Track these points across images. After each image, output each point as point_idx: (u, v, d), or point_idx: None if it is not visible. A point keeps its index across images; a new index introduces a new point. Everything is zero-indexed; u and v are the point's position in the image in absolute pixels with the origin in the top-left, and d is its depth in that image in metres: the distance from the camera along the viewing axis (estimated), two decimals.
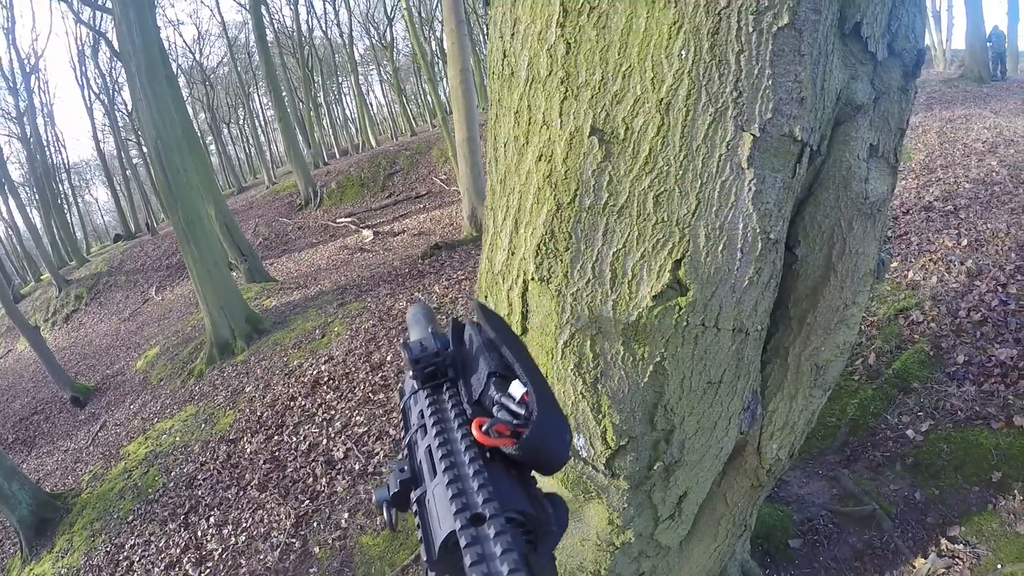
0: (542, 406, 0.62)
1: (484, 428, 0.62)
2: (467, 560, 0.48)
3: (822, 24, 1.28)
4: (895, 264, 7.71)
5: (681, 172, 1.36)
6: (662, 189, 1.37)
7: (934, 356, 5.77)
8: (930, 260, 7.59)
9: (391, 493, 0.68)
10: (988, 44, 19.25)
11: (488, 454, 0.62)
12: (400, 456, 0.73)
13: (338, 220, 21.23)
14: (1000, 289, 6.84)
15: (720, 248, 1.45)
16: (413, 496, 0.63)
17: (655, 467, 1.67)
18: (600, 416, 1.59)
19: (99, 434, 10.97)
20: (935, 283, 6.95)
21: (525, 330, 1.65)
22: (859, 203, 1.55)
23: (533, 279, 1.59)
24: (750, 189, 1.39)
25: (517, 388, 0.65)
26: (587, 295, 1.54)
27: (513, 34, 1.48)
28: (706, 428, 1.68)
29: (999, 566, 3.89)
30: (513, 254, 1.61)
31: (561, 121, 1.41)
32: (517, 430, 0.62)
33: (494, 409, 0.66)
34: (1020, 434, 4.79)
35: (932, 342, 5.94)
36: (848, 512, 4.30)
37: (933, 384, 5.42)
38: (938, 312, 6.41)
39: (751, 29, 1.25)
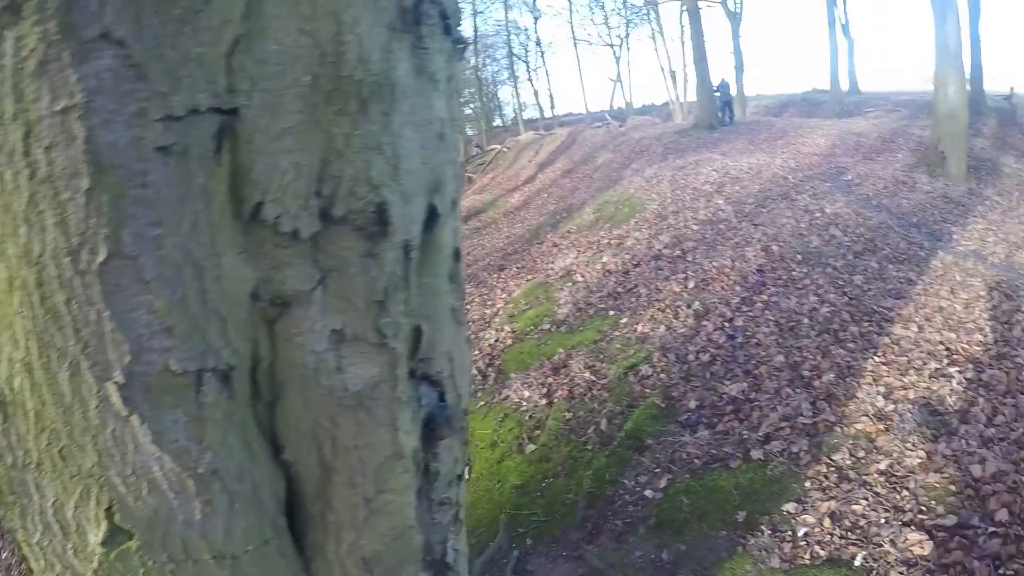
0: None
1: None
2: None
3: (174, 235, 1.11)
4: (624, 320, 8.03)
5: (68, 429, 1.26)
6: (61, 446, 1.28)
7: (666, 408, 5.99)
8: (658, 309, 8.03)
9: None
10: (716, 94, 21.93)
11: None
12: None
13: None
14: (727, 325, 7.30)
15: (145, 492, 1.32)
16: None
17: None
18: None
19: None
20: (663, 332, 7.30)
21: None
22: (338, 397, 1.42)
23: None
24: (145, 434, 1.25)
25: None
26: (47, 545, 1.37)
27: None
28: None
29: None
30: None
31: None
32: None
33: None
34: (759, 467, 4.98)
35: (663, 393, 6.18)
36: None
37: (667, 437, 5.59)
38: (667, 361, 6.71)
39: (71, 273, 1.09)
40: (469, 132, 50.77)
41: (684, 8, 26.72)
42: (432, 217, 1.57)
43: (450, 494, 2.25)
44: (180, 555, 1.44)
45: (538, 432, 6.39)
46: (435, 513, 2.18)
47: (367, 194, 1.29)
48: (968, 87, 17.06)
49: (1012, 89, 25.88)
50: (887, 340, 6.62)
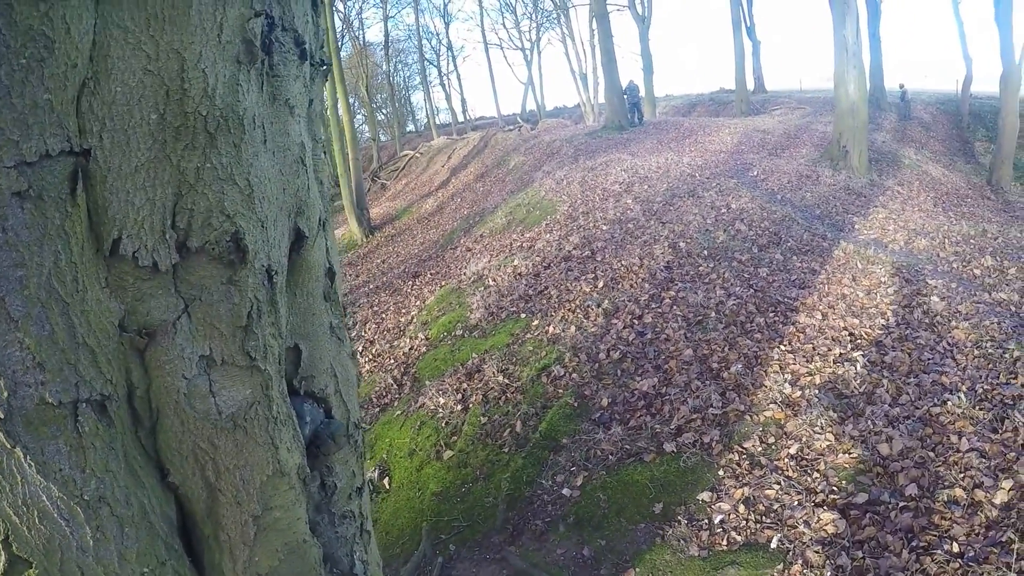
0: None
1: None
2: None
3: (37, 274, 1.17)
4: (536, 322, 8.17)
5: None
6: None
7: (579, 407, 6.12)
8: (568, 310, 8.20)
9: None
10: (624, 96, 22.31)
11: None
12: None
13: None
14: (636, 322, 7.47)
15: (37, 521, 1.40)
16: None
17: None
18: None
19: None
20: (574, 332, 7.47)
21: None
22: (213, 420, 1.49)
23: None
24: (30, 465, 1.34)
25: None
26: None
27: None
28: None
29: None
30: None
31: None
32: None
33: None
34: (672, 459, 5.14)
35: (576, 392, 6.32)
36: None
37: (581, 435, 5.73)
38: (579, 361, 6.87)
39: None
40: (382, 138, 50.41)
41: (593, 12, 27.18)
42: (299, 239, 1.66)
43: (351, 507, 2.33)
44: None
45: (455, 438, 6.47)
46: (338, 526, 2.26)
47: (222, 224, 1.38)
48: (868, 84, 18.01)
49: (902, 85, 27.38)
50: (792, 329, 6.93)
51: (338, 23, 35.08)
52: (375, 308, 12.88)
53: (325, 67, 1.74)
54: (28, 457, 1.32)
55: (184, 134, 1.27)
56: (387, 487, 6.37)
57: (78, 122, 1.16)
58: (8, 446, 1.29)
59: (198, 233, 1.36)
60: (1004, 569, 3.50)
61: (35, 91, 1.09)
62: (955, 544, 3.79)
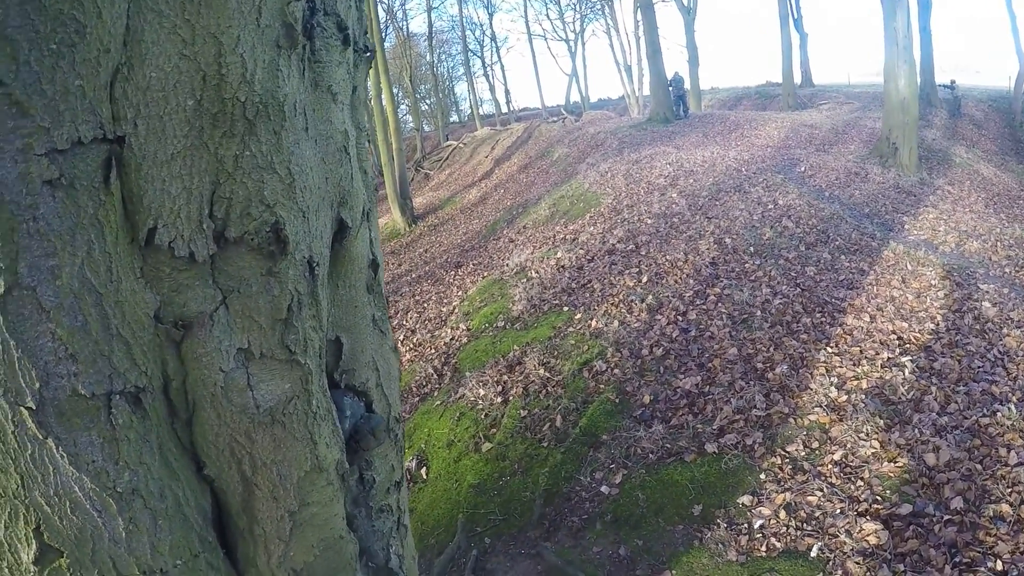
0: None
1: None
2: None
3: (70, 264, 1.13)
4: (578, 316, 8.08)
5: None
6: None
7: (620, 403, 6.04)
8: (612, 304, 8.09)
9: None
10: (669, 88, 22.07)
11: None
12: None
13: None
14: (680, 319, 7.37)
15: (69, 511, 1.37)
16: None
17: None
18: None
19: None
20: (617, 327, 7.37)
21: None
22: (251, 414, 1.45)
23: None
24: (62, 456, 1.30)
25: None
26: None
27: None
28: None
29: None
30: None
31: None
32: None
33: None
34: (714, 461, 5.04)
35: (617, 388, 6.24)
36: None
37: (622, 432, 5.64)
38: (621, 356, 6.77)
39: None
40: (426, 128, 50.67)
41: (638, 3, 26.88)
42: (342, 230, 1.60)
43: (389, 501, 2.29)
44: (110, 571, 1.49)
45: (494, 430, 6.43)
46: (375, 520, 2.22)
47: (261, 214, 1.33)
48: (918, 79, 17.54)
49: (953, 81, 26.63)
50: (840, 330, 6.76)
51: (382, 14, 35.27)
52: (417, 297, 12.91)
53: (369, 54, 1.68)
54: (60, 448, 1.30)
55: (222, 121, 1.22)
56: (424, 477, 6.36)
57: (111, 109, 1.11)
58: (40, 437, 1.27)
59: (236, 223, 1.31)
60: None
61: (66, 77, 1.04)
62: (999, 562, 3.65)
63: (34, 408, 1.24)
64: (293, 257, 1.41)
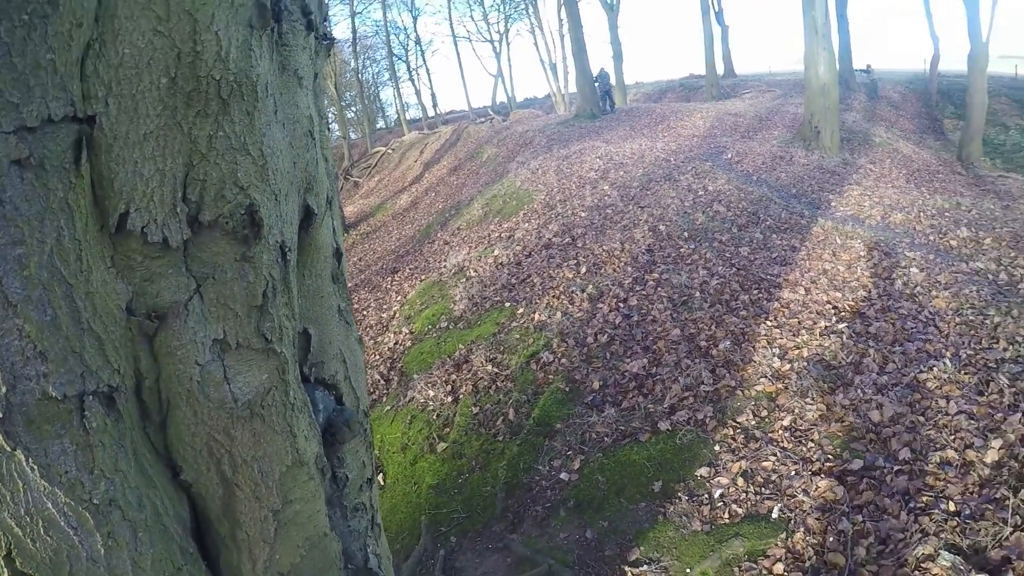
0: None
1: None
2: None
3: (38, 253, 1.08)
4: (521, 310, 8.12)
5: None
6: None
7: (571, 391, 6.09)
8: (553, 296, 8.16)
9: None
10: (595, 84, 22.35)
11: None
12: None
13: None
14: (622, 305, 7.46)
15: (43, 531, 1.28)
16: None
17: None
18: None
19: None
20: (560, 318, 7.44)
21: None
22: (229, 409, 1.40)
23: None
24: (33, 469, 1.22)
25: None
26: None
27: None
28: None
29: (688, 570, 4.10)
30: None
31: None
32: None
33: None
34: (668, 438, 5.13)
35: (566, 377, 6.29)
36: None
37: (575, 419, 5.69)
38: (567, 346, 6.83)
39: None
40: (352, 135, 50.03)
41: (562, 1, 27.06)
42: (308, 217, 1.58)
43: (363, 499, 2.25)
44: None
45: (448, 430, 6.40)
46: (351, 520, 2.18)
47: (235, 196, 1.29)
48: (837, 65, 18.15)
49: (869, 65, 27.69)
50: (777, 304, 6.96)
51: None
52: (356, 305, 12.74)
53: (328, 41, 1.66)
54: (30, 460, 1.21)
55: (196, 100, 1.18)
56: (382, 483, 6.29)
57: (83, 86, 1.06)
58: (8, 449, 1.18)
59: (211, 206, 1.27)
60: (1000, 524, 3.54)
61: (37, 50, 0.99)
62: (951, 503, 3.84)
63: (0, 417, 1.16)
64: (267, 241, 1.37)
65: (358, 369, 2.09)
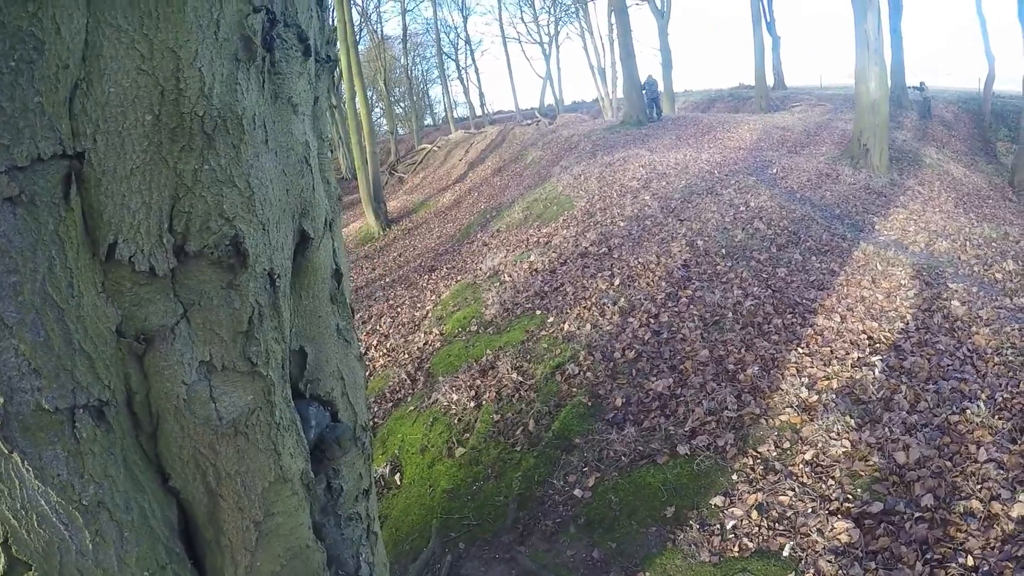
0: None
1: None
2: None
3: (31, 280, 1.14)
4: (551, 319, 8.12)
5: None
6: None
7: (593, 406, 6.09)
8: (584, 307, 8.15)
9: None
10: (643, 91, 22.29)
11: None
12: None
13: None
14: (652, 321, 7.43)
15: (36, 524, 1.39)
16: None
17: None
18: None
19: None
20: (589, 330, 7.43)
21: None
22: (214, 426, 1.47)
23: None
24: (28, 470, 1.31)
25: None
26: None
27: None
28: None
29: None
30: None
31: None
32: None
33: None
34: (686, 462, 5.09)
35: (590, 391, 6.28)
36: None
37: (594, 435, 5.68)
38: (593, 359, 6.82)
39: None
40: (400, 131, 50.57)
41: (612, 6, 27.02)
42: (304, 241, 1.62)
43: (358, 509, 2.30)
44: None
45: (467, 435, 6.45)
46: (344, 529, 2.24)
47: (221, 227, 1.34)
48: (889, 81, 17.82)
49: (923, 83, 27.10)
50: (810, 331, 6.86)
51: (356, 16, 35.14)
52: (391, 302, 12.88)
53: (331, 63, 1.70)
54: (26, 462, 1.31)
55: (180, 135, 1.23)
56: (398, 483, 6.36)
57: (71, 124, 1.12)
58: (6, 451, 1.28)
59: (196, 237, 1.33)
60: None
61: (25, 94, 1.05)
62: (970, 557, 3.72)
63: None
64: (253, 270, 1.43)
65: (357, 386, 2.14)
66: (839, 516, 4.31)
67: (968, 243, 10.03)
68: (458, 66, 53.69)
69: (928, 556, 3.83)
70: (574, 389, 6.52)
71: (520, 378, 7.06)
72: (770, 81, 34.88)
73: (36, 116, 1.07)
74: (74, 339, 1.27)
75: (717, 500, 4.71)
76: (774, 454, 5.02)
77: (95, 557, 1.47)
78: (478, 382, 7.32)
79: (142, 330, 1.36)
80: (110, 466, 1.44)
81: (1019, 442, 4.53)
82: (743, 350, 6.48)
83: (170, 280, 1.35)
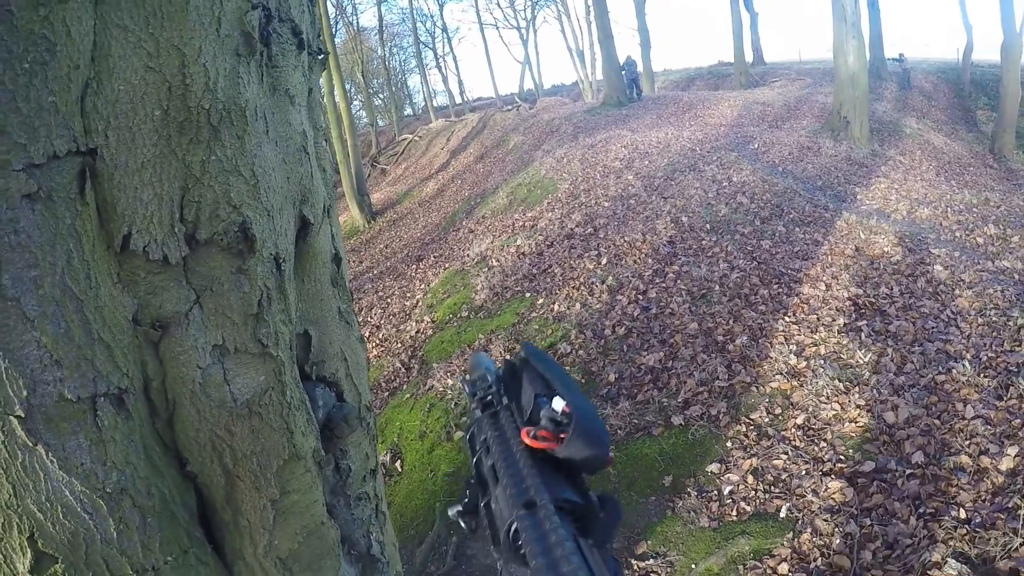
0: (581, 415, 0.76)
1: (531, 434, 0.78)
2: (524, 538, 0.62)
3: (51, 274, 1.20)
4: (541, 301, 8.20)
5: None
6: None
7: (586, 383, 6.17)
8: (573, 288, 8.23)
9: (463, 503, 0.92)
10: (622, 71, 22.30)
11: (539, 457, 0.77)
12: (470, 476, 0.95)
13: None
14: (640, 298, 7.51)
15: (61, 516, 1.41)
16: (482, 503, 0.82)
17: None
18: None
19: None
20: (579, 309, 7.51)
21: None
22: (229, 408, 1.52)
23: None
24: (52, 461, 1.34)
25: (559, 403, 0.79)
26: None
27: None
28: None
29: (693, 566, 4.19)
30: None
31: None
32: (560, 435, 0.76)
33: (541, 422, 0.80)
34: (680, 432, 5.17)
35: (583, 369, 6.37)
36: None
37: None
38: (584, 338, 6.91)
39: None
40: (380, 123, 50.33)
41: None
42: (304, 227, 1.68)
43: (366, 489, 2.37)
44: (103, 573, 1.53)
45: (465, 418, 6.50)
46: (354, 509, 2.31)
47: (229, 215, 1.40)
48: (868, 53, 17.89)
49: (901, 54, 27.17)
50: (796, 300, 6.97)
51: (331, 9, 34.90)
52: (380, 293, 12.92)
53: (322, 56, 1.75)
54: (50, 454, 1.34)
55: (188, 128, 1.29)
56: (399, 470, 6.43)
57: (83, 122, 1.17)
58: (31, 444, 1.31)
59: (206, 225, 1.38)
60: (1011, 534, 3.54)
61: (40, 94, 1.10)
62: (962, 510, 3.84)
63: (23, 416, 1.29)
64: (261, 254, 1.47)
65: (359, 367, 2.20)
66: (833, 476, 4.43)
67: (949, 209, 10.16)
68: (436, 55, 53.45)
69: (921, 511, 3.95)
70: (567, 367, 6.60)
71: None
72: (749, 58, 34.90)
73: (50, 115, 1.12)
74: (93, 329, 1.32)
75: (713, 467, 4.82)
76: (766, 420, 5.13)
77: (120, 545, 1.51)
78: None
79: (157, 317, 1.42)
80: (131, 453, 1.49)
81: (1005, 398, 4.65)
82: (731, 321, 6.58)
83: (182, 268, 1.40)
